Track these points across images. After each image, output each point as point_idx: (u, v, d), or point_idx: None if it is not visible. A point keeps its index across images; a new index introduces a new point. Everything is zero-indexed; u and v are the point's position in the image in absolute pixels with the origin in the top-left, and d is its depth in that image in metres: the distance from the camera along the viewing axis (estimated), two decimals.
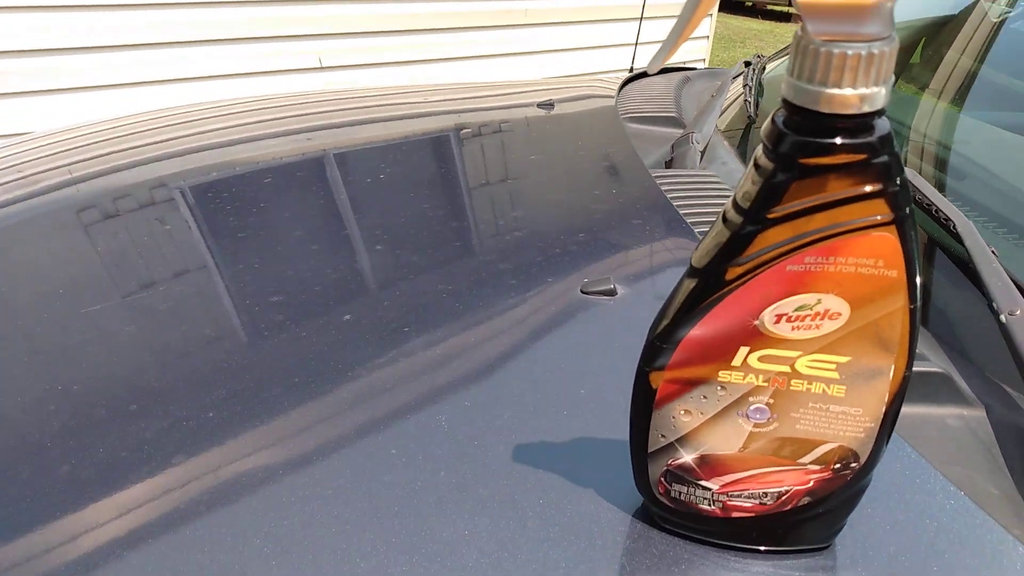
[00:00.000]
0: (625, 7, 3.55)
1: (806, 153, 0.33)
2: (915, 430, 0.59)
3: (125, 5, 2.59)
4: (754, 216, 0.35)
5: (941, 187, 0.94)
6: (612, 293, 0.69)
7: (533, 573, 0.43)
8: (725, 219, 0.36)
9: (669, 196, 0.88)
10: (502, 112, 1.27)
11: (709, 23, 4.25)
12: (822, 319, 0.37)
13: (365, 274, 0.74)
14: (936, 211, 0.78)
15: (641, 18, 1.68)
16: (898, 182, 0.33)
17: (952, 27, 1.36)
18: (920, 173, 0.98)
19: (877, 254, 0.35)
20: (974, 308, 0.73)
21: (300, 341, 0.63)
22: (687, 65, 1.84)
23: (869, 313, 0.37)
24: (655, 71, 0.34)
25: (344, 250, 0.79)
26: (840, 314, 0.37)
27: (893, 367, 0.39)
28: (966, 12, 1.33)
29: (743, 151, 1.17)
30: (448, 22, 3.20)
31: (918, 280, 0.37)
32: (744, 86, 1.34)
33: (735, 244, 0.36)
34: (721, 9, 9.70)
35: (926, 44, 1.37)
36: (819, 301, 0.37)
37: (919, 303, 0.37)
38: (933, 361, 0.64)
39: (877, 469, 0.51)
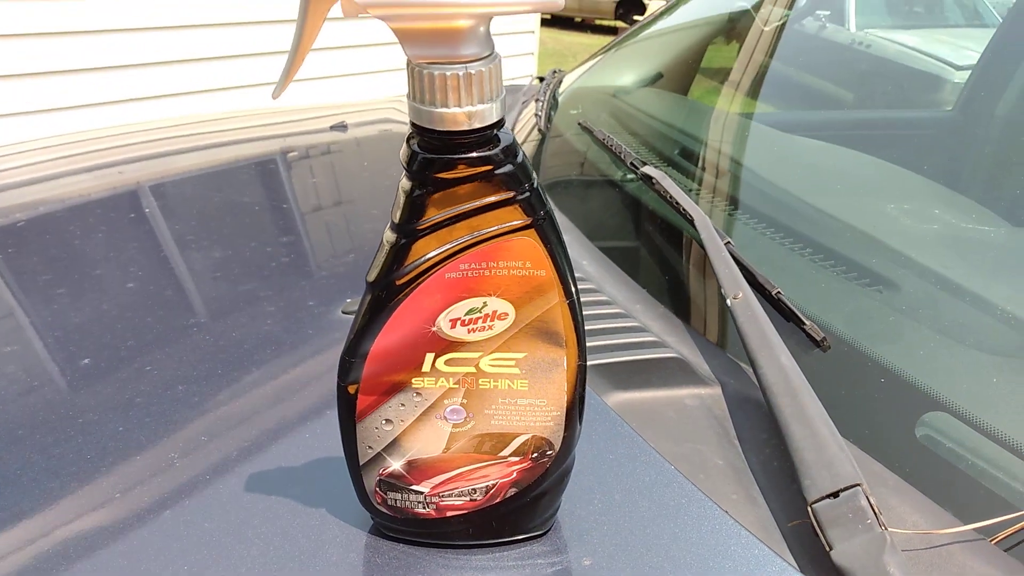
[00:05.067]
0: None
1: (435, 169, 0.35)
2: (654, 413, 0.63)
3: None
4: (405, 229, 0.37)
5: (703, 185, 1.01)
6: None
7: None
8: (386, 238, 0.38)
9: None
10: (289, 138, 1.27)
11: (533, 39, 4.39)
12: (492, 320, 0.40)
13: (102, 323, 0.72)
14: (681, 209, 0.85)
15: None
16: (527, 188, 0.36)
17: (728, 33, 1.47)
18: (684, 173, 1.05)
19: (522, 257, 0.38)
20: (716, 295, 0.79)
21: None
22: (514, 82, 1.89)
23: (531, 311, 0.40)
24: (278, 97, 0.35)
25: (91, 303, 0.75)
26: (507, 314, 0.40)
27: (566, 358, 0.42)
28: (744, 19, 1.44)
29: (536, 163, 1.22)
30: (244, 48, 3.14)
31: (570, 276, 0.40)
32: (536, 100, 1.40)
33: (396, 256, 0.38)
34: (552, 25, 10.04)
35: (697, 49, 1.47)
36: (485, 304, 0.39)
37: (576, 297, 0.40)
38: (671, 347, 0.69)
39: (596, 453, 0.55)
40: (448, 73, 0.32)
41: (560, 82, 1.53)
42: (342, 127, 1.25)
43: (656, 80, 1.46)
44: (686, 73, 1.45)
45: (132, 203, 0.97)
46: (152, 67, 2.97)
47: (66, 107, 2.77)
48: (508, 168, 0.36)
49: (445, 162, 0.35)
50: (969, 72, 1.17)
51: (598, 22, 10.33)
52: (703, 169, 1.08)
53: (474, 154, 0.35)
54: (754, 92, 1.29)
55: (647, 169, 0.94)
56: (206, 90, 3.11)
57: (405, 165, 0.36)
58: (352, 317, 0.69)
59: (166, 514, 0.48)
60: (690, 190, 0.91)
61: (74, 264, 0.80)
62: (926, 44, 1.38)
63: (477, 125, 0.34)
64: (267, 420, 0.57)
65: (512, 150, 0.36)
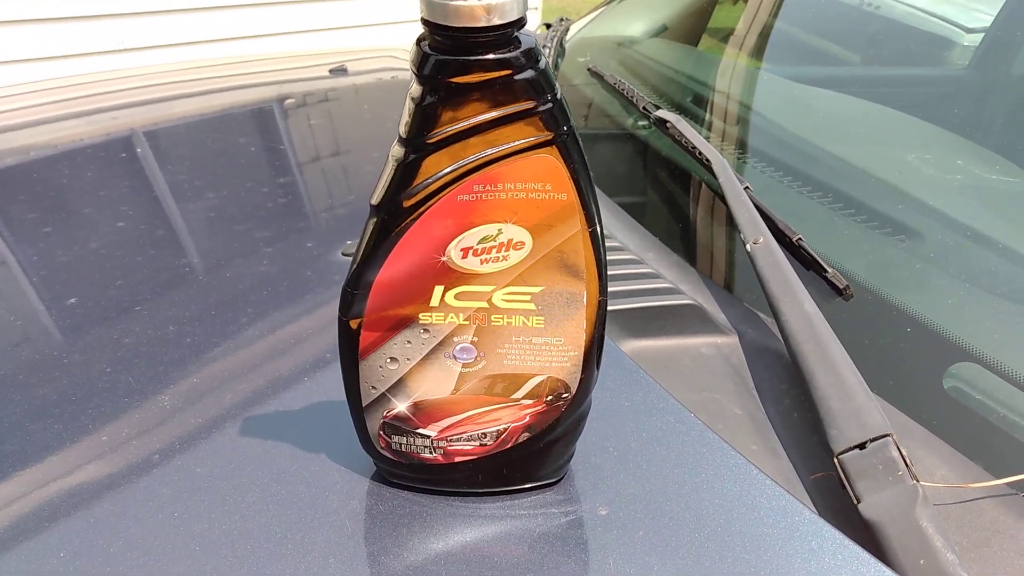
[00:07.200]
0: None
1: (448, 72, 0.31)
2: (669, 361, 0.60)
3: None
4: (414, 143, 0.33)
5: (717, 131, 0.98)
6: None
7: (262, 543, 0.40)
8: (392, 155, 0.35)
9: None
10: (287, 84, 1.22)
11: None
12: (507, 249, 0.37)
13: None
14: (698, 153, 0.81)
15: None
16: (549, 99, 0.33)
17: None
18: (698, 120, 1.01)
19: (542, 177, 0.34)
20: (732, 241, 0.76)
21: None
22: None
23: (550, 240, 0.37)
24: None
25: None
26: (523, 243, 0.37)
27: (586, 293, 0.38)
28: None
29: None
30: None
31: (593, 202, 0.36)
32: (543, 47, 1.35)
33: (404, 174, 0.34)
34: None
35: (705, 4, 1.42)
36: (500, 231, 0.36)
37: (598, 225, 0.37)
38: (686, 293, 0.66)
39: (611, 400, 0.52)
40: None
41: (567, 30, 1.48)
42: (342, 71, 1.20)
43: (661, 32, 1.42)
44: (694, 27, 1.40)
45: (124, 146, 0.93)
46: (148, 16, 2.89)
47: (64, 55, 2.71)
48: (529, 74, 0.32)
49: (459, 64, 0.31)
50: (980, 35, 1.13)
51: None
52: (718, 117, 1.04)
53: (491, 56, 0.31)
54: (759, 51, 1.25)
55: (661, 113, 0.90)
56: (204, 40, 3.04)
57: (415, 70, 0.32)
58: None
59: (155, 459, 0.45)
60: (705, 137, 0.87)
61: (62, 204, 0.76)
62: (935, 5, 1.34)
63: (496, 21, 0.30)
64: (262, 362, 0.54)
65: (533, 55, 0.32)
